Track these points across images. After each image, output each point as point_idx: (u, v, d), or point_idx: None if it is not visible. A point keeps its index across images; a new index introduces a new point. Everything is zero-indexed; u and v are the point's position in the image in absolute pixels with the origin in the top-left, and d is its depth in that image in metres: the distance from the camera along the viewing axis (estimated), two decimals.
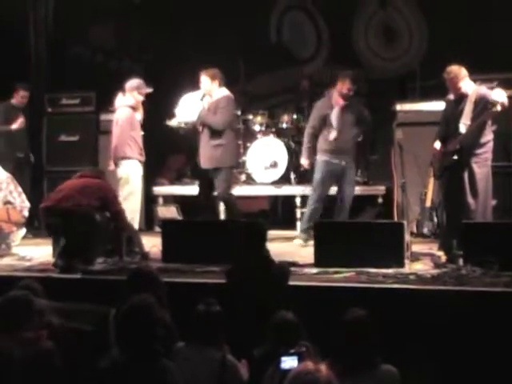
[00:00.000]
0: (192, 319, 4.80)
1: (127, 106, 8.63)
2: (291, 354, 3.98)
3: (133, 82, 8.66)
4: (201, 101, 8.79)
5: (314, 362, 3.40)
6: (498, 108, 7.09)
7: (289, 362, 3.90)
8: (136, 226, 8.76)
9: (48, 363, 4.33)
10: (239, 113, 10.33)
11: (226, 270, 6.24)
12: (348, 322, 4.41)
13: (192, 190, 10.48)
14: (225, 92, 8.76)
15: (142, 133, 8.81)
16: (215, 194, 8.87)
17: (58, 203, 7.63)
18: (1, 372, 4.16)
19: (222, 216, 9.57)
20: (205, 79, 8.70)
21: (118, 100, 8.72)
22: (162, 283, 5.39)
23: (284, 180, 10.32)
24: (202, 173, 9.00)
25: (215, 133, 8.64)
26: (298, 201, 10.09)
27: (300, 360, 3.90)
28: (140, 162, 8.62)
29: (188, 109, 8.88)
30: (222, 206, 9.60)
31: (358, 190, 10.17)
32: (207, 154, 8.72)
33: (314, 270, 7.02)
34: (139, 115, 8.75)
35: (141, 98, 8.64)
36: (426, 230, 8.83)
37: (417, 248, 7.80)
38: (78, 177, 7.95)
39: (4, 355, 4.23)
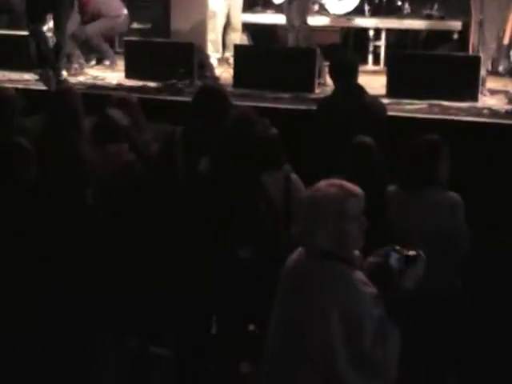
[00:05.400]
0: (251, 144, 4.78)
1: None
2: (403, 256, 3.43)
3: None
4: None
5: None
6: None
7: (397, 261, 3.44)
8: (218, 52, 8.81)
9: (130, 175, 4.47)
10: None
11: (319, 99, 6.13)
12: (422, 140, 4.44)
13: (263, 18, 10.37)
14: None
15: None
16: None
17: None
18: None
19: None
20: None
21: None
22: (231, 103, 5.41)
23: (358, 12, 10.07)
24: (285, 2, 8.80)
25: None
26: (371, 34, 9.88)
27: (407, 262, 3.39)
28: None
29: None
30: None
31: (433, 24, 9.95)
32: None
33: (387, 100, 6.95)
34: None
35: None
36: (501, 69, 8.61)
37: (491, 85, 7.66)
38: None
39: (93, 166, 4.41)
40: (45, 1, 7.95)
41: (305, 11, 8.50)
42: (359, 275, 3.05)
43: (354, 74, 5.85)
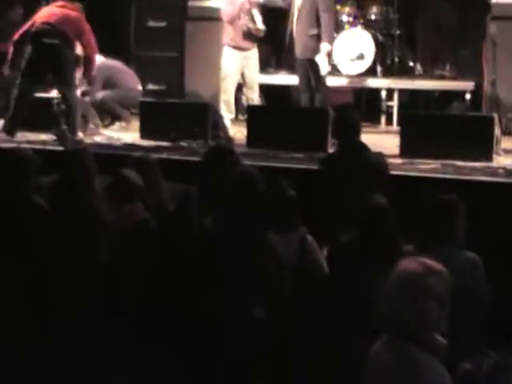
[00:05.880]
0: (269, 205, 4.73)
1: None
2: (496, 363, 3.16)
3: None
4: None
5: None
6: None
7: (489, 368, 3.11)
8: (231, 113, 8.88)
9: (143, 232, 4.49)
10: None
11: (320, 157, 6.16)
12: (439, 200, 4.45)
13: (276, 79, 10.47)
14: None
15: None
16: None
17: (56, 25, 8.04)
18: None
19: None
20: None
21: None
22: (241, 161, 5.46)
23: (370, 73, 10.16)
24: (298, 63, 8.88)
25: (312, 22, 8.47)
26: (383, 94, 9.96)
27: (500, 370, 3.10)
28: (234, 47, 8.96)
29: None
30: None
31: (446, 85, 10.03)
32: (302, 43, 8.56)
33: (400, 161, 6.97)
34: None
35: None
36: None
37: (506, 145, 7.65)
38: (59, 6, 8.25)
39: (107, 225, 4.44)
40: (48, 61, 8.09)
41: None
42: (436, 365, 2.94)
43: (356, 131, 5.87)
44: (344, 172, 5.64)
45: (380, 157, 5.95)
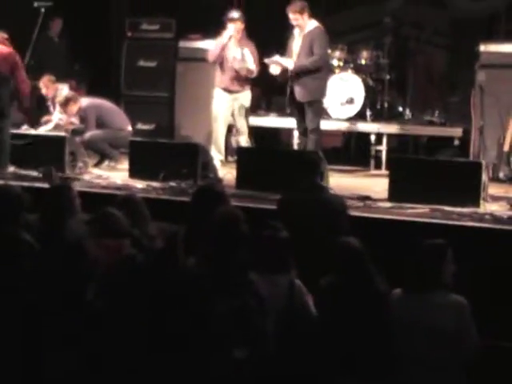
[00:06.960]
0: (258, 246, 4.72)
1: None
2: None
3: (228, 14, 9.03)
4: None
5: None
6: None
7: None
8: (221, 154, 8.94)
9: (130, 268, 4.47)
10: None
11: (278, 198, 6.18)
12: (428, 244, 4.46)
13: (266, 121, 10.52)
14: (315, 23, 8.63)
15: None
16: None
17: None
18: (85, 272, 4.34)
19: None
20: (294, 16, 8.54)
21: None
22: (229, 202, 5.47)
23: (359, 117, 10.23)
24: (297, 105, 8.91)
25: None
26: (372, 138, 10.03)
27: None
28: (224, 89, 9.07)
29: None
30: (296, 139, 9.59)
31: (434, 130, 10.12)
32: (303, 86, 8.60)
33: (388, 205, 7.00)
34: (233, 47, 9.00)
35: (231, 29, 8.95)
36: (502, 175, 8.67)
37: (492, 191, 7.68)
38: None
39: (91, 258, 4.42)
40: None
41: (320, 114, 8.75)
42: None
43: (315, 171, 5.97)
44: (302, 213, 5.67)
45: (339, 198, 6.05)
